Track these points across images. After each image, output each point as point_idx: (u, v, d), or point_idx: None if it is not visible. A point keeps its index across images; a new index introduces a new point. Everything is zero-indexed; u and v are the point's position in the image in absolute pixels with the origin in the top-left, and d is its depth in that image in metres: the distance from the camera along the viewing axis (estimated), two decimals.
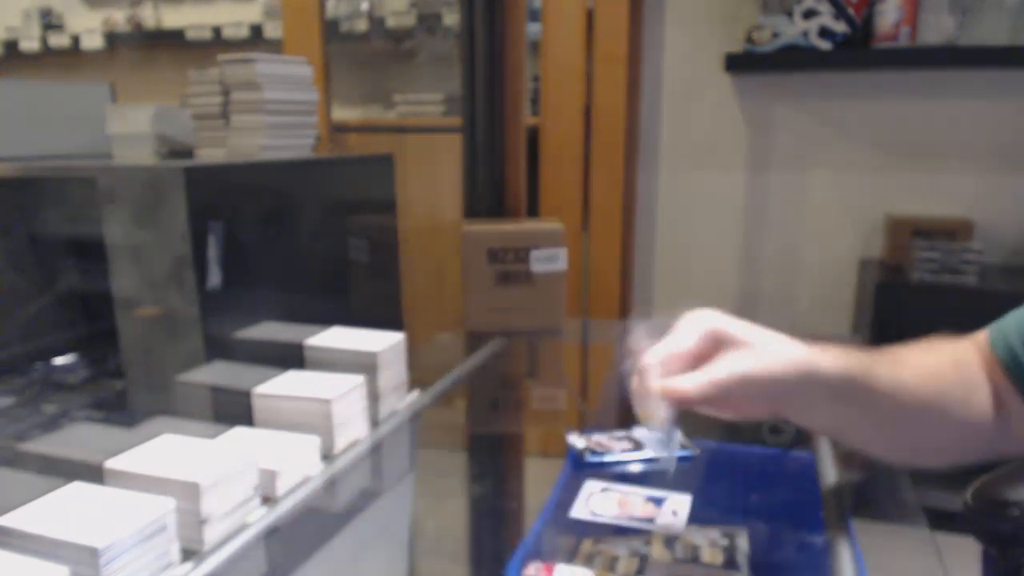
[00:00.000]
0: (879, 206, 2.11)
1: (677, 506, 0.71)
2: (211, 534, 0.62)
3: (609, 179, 2.18)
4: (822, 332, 0.76)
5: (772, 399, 0.60)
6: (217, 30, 3.01)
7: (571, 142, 2.19)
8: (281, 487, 0.71)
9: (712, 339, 0.60)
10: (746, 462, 0.81)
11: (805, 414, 0.63)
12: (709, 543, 0.64)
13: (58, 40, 3.23)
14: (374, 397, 0.88)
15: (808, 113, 2.12)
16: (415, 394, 0.97)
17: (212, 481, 0.61)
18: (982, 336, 0.65)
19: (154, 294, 0.82)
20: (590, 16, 2.12)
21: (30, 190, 1.06)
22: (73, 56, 3.25)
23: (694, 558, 0.62)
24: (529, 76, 1.87)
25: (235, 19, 3.01)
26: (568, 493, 0.74)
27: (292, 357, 0.89)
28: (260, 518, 0.66)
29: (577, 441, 0.85)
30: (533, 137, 2.11)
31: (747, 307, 2.28)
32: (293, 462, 0.72)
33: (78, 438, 0.76)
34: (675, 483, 0.76)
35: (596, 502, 0.72)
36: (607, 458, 0.82)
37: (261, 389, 0.80)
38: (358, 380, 0.83)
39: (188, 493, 0.60)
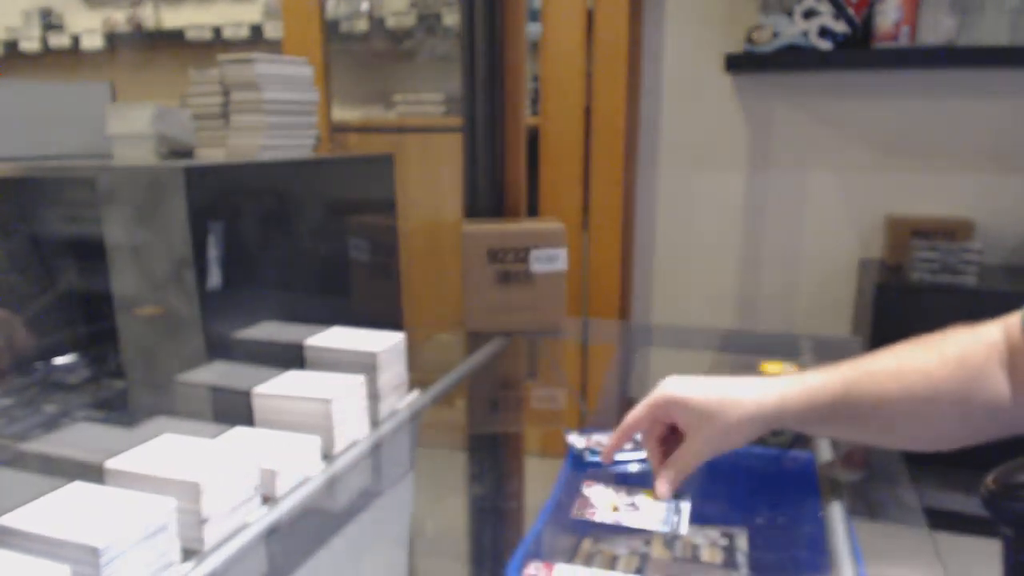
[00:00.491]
0: (879, 206, 2.11)
1: (677, 506, 0.71)
2: (211, 534, 0.62)
3: (609, 179, 2.18)
4: (822, 332, 0.76)
5: (752, 437, 0.69)
6: (217, 30, 3.01)
7: (571, 142, 2.19)
8: (281, 487, 0.71)
9: (668, 411, 0.71)
10: (746, 462, 0.81)
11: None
12: (709, 543, 0.65)
13: (58, 40, 3.23)
14: (374, 397, 0.88)
15: (808, 113, 2.12)
16: (415, 394, 0.97)
17: (212, 481, 0.61)
18: (1014, 318, 0.66)
19: (154, 294, 0.82)
20: (590, 16, 2.12)
21: (30, 190, 1.06)
22: (73, 56, 3.25)
23: (694, 558, 0.62)
24: (529, 76, 1.87)
25: (235, 19, 3.01)
26: (568, 493, 0.74)
27: (292, 357, 0.89)
28: (260, 518, 0.67)
29: (577, 441, 0.84)
30: (533, 137, 2.11)
31: (747, 307, 2.28)
32: (293, 462, 0.72)
33: (79, 438, 0.76)
34: None
35: (596, 502, 0.72)
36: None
37: (261, 389, 0.80)
38: (358, 380, 0.83)
39: (189, 493, 0.60)
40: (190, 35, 3.05)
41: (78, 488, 0.59)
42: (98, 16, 3.28)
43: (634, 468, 0.80)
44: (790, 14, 1.94)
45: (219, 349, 0.84)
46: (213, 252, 0.81)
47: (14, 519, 0.54)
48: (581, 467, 0.81)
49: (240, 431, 0.75)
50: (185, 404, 0.83)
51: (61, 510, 0.55)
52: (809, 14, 1.92)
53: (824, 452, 0.81)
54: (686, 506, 0.70)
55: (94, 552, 0.51)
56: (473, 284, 1.31)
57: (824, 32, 1.92)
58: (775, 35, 1.95)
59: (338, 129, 2.56)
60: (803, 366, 1.07)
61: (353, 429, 0.82)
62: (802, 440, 0.84)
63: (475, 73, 1.48)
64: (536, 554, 0.63)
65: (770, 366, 1.03)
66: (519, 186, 1.56)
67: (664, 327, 2.18)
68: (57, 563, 0.51)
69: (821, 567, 0.62)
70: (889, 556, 0.68)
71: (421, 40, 2.79)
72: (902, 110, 2.05)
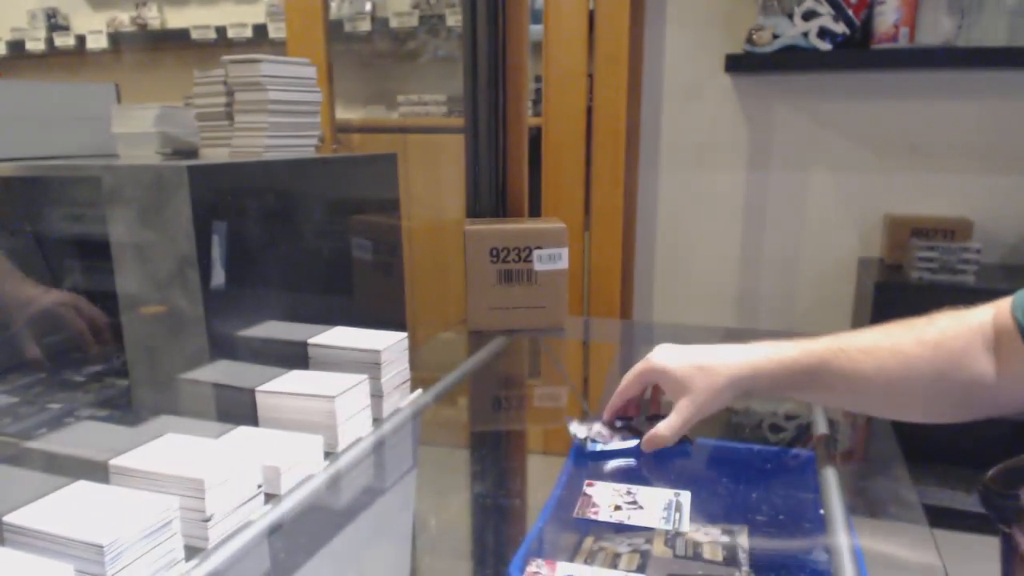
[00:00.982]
0: (878, 206, 2.11)
1: (678, 503, 0.71)
2: (215, 532, 0.62)
3: (610, 179, 2.18)
4: (822, 331, 0.77)
5: (731, 401, 0.78)
6: (221, 31, 3.01)
7: (573, 142, 2.19)
8: (284, 485, 0.71)
9: (654, 378, 0.81)
10: (747, 460, 0.82)
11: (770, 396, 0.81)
12: (710, 540, 0.65)
13: (63, 40, 3.24)
14: (377, 395, 0.89)
15: (808, 113, 2.13)
16: (418, 392, 0.97)
17: (216, 479, 0.62)
18: (1005, 302, 0.67)
19: (158, 293, 0.82)
20: (592, 17, 2.12)
21: (35, 190, 1.06)
22: (78, 56, 3.26)
23: (695, 555, 0.63)
24: (531, 77, 1.88)
25: (239, 20, 3.02)
26: (570, 491, 0.74)
27: (296, 356, 0.90)
28: (264, 516, 0.67)
29: (579, 430, 0.85)
30: (535, 137, 2.11)
31: (747, 306, 2.29)
32: (296, 460, 0.73)
33: (83, 436, 0.76)
34: (676, 481, 0.76)
35: (598, 500, 0.72)
36: (611, 446, 0.82)
37: (265, 387, 0.80)
38: (361, 378, 0.83)
39: (192, 491, 0.61)
40: (194, 35, 3.06)
41: (83, 486, 0.59)
42: (103, 16, 3.29)
43: (635, 463, 0.80)
44: (790, 15, 1.95)
45: (223, 348, 0.84)
46: (217, 251, 0.82)
47: (19, 516, 0.55)
48: (583, 457, 0.82)
49: (243, 429, 0.75)
50: (189, 403, 0.84)
51: (66, 508, 0.56)
52: (809, 15, 1.93)
53: (824, 450, 0.82)
54: (686, 499, 0.71)
55: (99, 549, 0.52)
56: (475, 283, 1.31)
57: (824, 33, 1.93)
58: (775, 36, 1.96)
59: (341, 129, 2.57)
60: None
61: (356, 427, 0.83)
62: (802, 438, 0.85)
63: (477, 74, 1.49)
64: (538, 552, 0.63)
65: None
66: (521, 186, 1.56)
67: (665, 326, 2.18)
68: (62, 560, 0.51)
69: (822, 564, 0.63)
70: (889, 553, 0.68)
71: (424, 41, 2.80)
72: (901, 110, 2.05)
